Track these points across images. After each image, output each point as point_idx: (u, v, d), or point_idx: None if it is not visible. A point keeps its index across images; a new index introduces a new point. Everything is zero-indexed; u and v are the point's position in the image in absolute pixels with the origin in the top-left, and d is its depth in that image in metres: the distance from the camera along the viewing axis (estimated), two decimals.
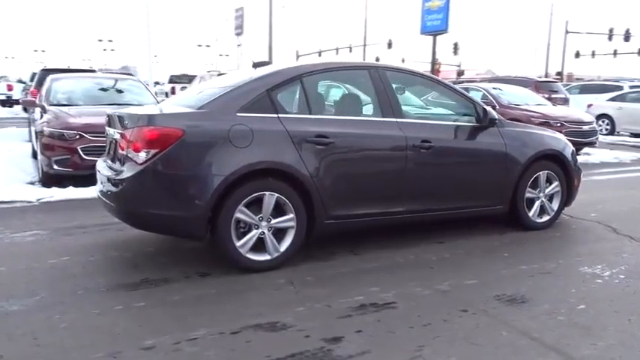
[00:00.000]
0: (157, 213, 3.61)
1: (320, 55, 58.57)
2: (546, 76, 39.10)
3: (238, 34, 51.12)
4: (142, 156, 3.56)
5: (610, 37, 43.02)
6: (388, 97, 4.30)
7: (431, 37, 32.92)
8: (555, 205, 5.16)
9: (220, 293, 3.47)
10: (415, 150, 4.29)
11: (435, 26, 31.57)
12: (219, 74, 14.09)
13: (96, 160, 6.58)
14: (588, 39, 47.91)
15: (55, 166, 6.73)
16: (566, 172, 5.17)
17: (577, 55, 51.42)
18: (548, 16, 39.55)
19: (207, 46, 69.26)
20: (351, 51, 55.12)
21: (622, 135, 15.72)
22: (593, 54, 51.47)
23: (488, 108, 4.71)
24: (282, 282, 3.68)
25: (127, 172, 3.62)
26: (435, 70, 52.13)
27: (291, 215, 3.86)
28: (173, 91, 21.61)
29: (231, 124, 3.70)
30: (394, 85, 4.36)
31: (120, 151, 3.78)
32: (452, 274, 3.87)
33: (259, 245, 3.82)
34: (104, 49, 74.50)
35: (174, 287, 3.55)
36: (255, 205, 3.77)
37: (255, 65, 4.44)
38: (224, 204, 3.64)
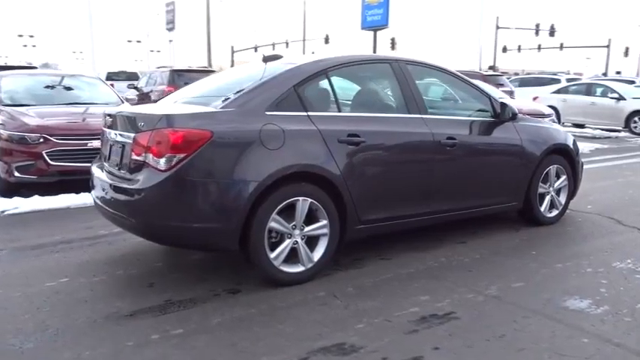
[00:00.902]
0: (184, 226, 3.20)
1: (256, 51, 57.82)
2: (480, 70, 40.37)
3: (170, 30, 49.65)
4: (165, 162, 3.13)
5: (537, 32, 45.01)
6: (412, 91, 4.08)
7: (371, 33, 33.21)
8: (563, 198, 5.14)
9: (263, 313, 3.12)
10: (441, 147, 4.09)
11: (375, 21, 31.83)
12: (173, 70, 13.41)
13: (65, 166, 6.09)
14: (516, 34, 49.80)
15: (17, 174, 6.04)
16: (572, 166, 5.15)
17: (504, 49, 53.36)
18: (479, 12, 40.78)
19: (138, 41, 66.67)
20: (287, 46, 54.66)
21: (566, 126, 16.34)
22: (519, 48, 53.59)
23: (507, 102, 4.59)
24: (324, 295, 3.37)
25: (147, 180, 3.18)
26: None
27: (325, 222, 3.56)
28: None
29: (261, 124, 3.35)
30: (416, 79, 4.14)
31: (133, 157, 3.33)
32: (493, 276, 3.70)
33: (291, 256, 3.50)
34: (24, 45, 70.04)
35: (207, 309, 3.16)
36: (286, 213, 3.44)
37: (266, 59, 4.08)
38: (257, 212, 3.29)
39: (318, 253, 3.58)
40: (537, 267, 3.91)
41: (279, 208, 3.37)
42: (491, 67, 44.60)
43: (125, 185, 3.34)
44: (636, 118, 14.78)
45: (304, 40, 43.19)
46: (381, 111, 4.04)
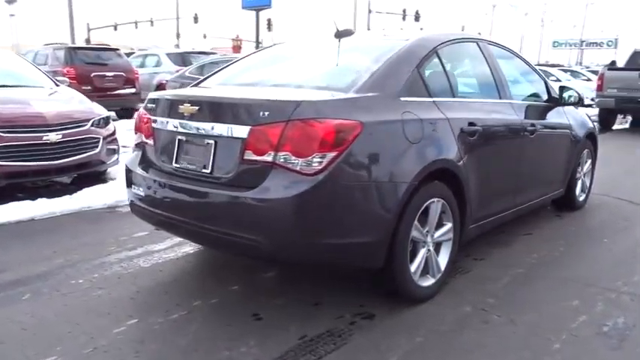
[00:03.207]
0: (336, 243, 2.52)
1: (116, 29, 53.47)
2: None
3: (10, 2, 44.19)
4: (313, 163, 2.43)
5: (404, 17, 47.11)
6: (500, 74, 3.73)
7: (250, 12, 32.31)
8: (588, 181, 5.16)
9: (432, 340, 2.58)
10: (527, 135, 3.80)
11: (257, 1, 30.98)
12: (70, 48, 11.66)
13: (14, 167, 4.81)
14: (387, 18, 51.61)
15: None
16: (596, 149, 5.18)
17: None
18: None
19: None
20: (152, 24, 51.38)
21: None
22: None
23: (566, 85, 4.42)
24: (470, 310, 2.91)
25: (284, 188, 2.44)
26: (235, 46, 51.67)
27: (450, 225, 3.09)
28: None
29: (401, 113, 2.76)
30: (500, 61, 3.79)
31: (249, 156, 2.53)
32: (601, 270, 3.52)
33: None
34: None
35: (361, 343, 2.55)
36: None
37: (340, 35, 3.43)
38: (403, 219, 2.72)
39: (443, 262, 3.10)
40: (627, 257, 3.80)
41: (419, 212, 2.82)
42: None
43: (235, 193, 2.56)
44: None
45: (178, 19, 40.78)
46: (483, 96, 3.63)
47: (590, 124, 4.95)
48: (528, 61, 4.38)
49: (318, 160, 2.42)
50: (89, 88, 10.84)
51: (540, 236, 4.21)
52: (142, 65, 14.17)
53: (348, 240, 2.56)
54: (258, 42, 32.19)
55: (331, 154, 2.43)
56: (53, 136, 5.01)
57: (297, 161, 2.44)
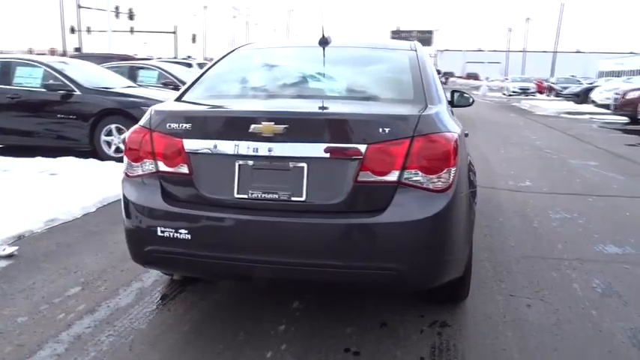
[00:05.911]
0: (454, 259, 2.49)
1: None
2: (64, 53, 37.46)
3: None
4: (441, 179, 2.35)
5: (117, 15, 44.50)
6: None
7: None
8: None
9: (516, 334, 2.77)
10: None
11: None
12: None
13: None
14: (101, 15, 47.16)
15: None
16: None
17: (72, 30, 50.62)
18: None
19: None
20: None
21: None
22: (88, 30, 51.72)
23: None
24: (502, 299, 3.20)
25: (422, 207, 2.30)
26: None
27: None
28: None
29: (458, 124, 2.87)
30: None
31: (366, 177, 2.28)
32: (533, 245, 4.21)
33: None
34: None
35: (477, 352, 2.59)
36: None
37: (323, 42, 3.30)
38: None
39: None
40: (529, 232, 4.59)
41: None
42: (77, 49, 41.87)
43: (359, 220, 2.30)
44: None
45: None
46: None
47: None
48: None
49: (446, 175, 2.37)
50: None
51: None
52: None
53: (456, 257, 2.54)
54: None
55: (454, 169, 2.41)
56: None
57: (425, 178, 2.34)
